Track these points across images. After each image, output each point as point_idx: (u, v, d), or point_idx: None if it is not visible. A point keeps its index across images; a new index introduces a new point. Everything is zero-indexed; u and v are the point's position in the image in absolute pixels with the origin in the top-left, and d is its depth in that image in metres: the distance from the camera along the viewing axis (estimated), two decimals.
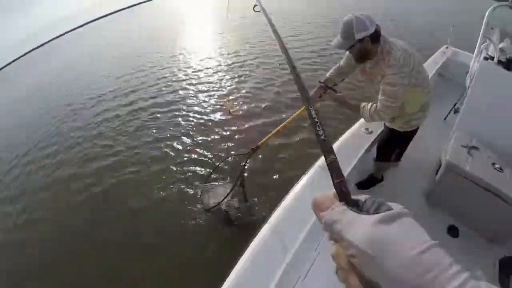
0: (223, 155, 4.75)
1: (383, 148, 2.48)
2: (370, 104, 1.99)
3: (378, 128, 2.50)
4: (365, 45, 1.82)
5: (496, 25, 3.16)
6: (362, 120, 2.57)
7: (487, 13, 2.78)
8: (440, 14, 12.72)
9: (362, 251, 0.34)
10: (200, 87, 7.85)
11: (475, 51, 2.90)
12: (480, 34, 2.79)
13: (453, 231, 2.45)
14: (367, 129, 2.51)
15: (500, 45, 2.81)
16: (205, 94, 7.30)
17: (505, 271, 2.19)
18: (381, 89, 1.87)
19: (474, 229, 2.46)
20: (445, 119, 2.88)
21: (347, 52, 2.08)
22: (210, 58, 10.42)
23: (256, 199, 3.53)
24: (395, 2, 17.26)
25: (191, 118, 6.18)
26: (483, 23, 2.79)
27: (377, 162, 2.59)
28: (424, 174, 2.78)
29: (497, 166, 2.32)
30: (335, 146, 2.29)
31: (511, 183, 2.23)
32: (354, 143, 2.37)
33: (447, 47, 4.90)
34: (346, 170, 2.05)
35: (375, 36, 1.81)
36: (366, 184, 2.75)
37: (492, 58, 2.68)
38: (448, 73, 4.01)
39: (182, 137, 5.53)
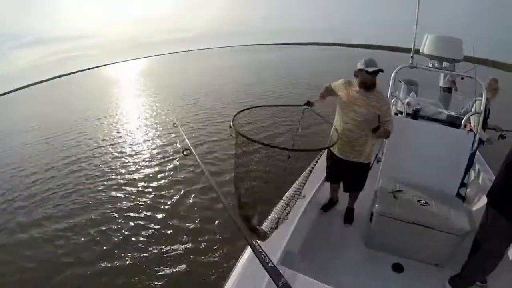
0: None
1: (364, 179, 2.87)
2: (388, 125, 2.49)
3: (310, 192, 2.69)
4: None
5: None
6: (294, 185, 2.77)
7: (392, 75, 3.22)
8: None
9: None
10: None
11: None
12: (389, 93, 3.20)
13: (397, 267, 2.62)
14: (299, 194, 2.66)
15: (406, 100, 3.29)
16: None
17: None
18: (388, 113, 2.50)
19: (418, 260, 2.67)
20: (370, 168, 3.20)
21: (338, 83, 2.66)
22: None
23: None
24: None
25: None
26: (390, 84, 3.22)
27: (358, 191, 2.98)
28: (360, 223, 3.00)
29: (422, 201, 2.62)
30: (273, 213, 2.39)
31: (439, 212, 2.53)
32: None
33: None
34: (288, 233, 2.17)
35: None
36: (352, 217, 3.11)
37: (402, 112, 3.12)
38: None
39: None
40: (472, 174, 3.81)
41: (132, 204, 5.50)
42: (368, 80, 2.43)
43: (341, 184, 3.00)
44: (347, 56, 29.82)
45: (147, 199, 5.56)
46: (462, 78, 3.53)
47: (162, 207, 5.25)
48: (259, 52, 49.33)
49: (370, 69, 2.35)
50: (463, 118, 3.02)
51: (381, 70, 2.38)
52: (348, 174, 2.77)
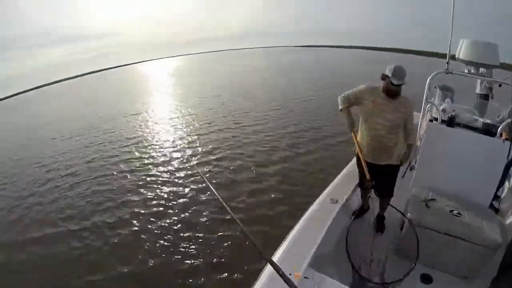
0: None
1: (394, 183, 2.80)
2: (408, 137, 2.62)
3: (343, 196, 2.64)
4: None
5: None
6: (327, 190, 2.79)
7: (427, 81, 3.13)
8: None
9: None
10: None
11: (421, 114, 3.22)
12: (424, 99, 3.14)
13: (426, 278, 2.57)
14: (332, 199, 2.63)
15: (442, 107, 3.18)
16: None
17: None
18: (412, 117, 2.56)
19: (447, 272, 2.61)
20: (403, 176, 3.12)
21: (362, 91, 2.60)
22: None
23: None
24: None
25: None
26: (425, 90, 3.14)
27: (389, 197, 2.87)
28: (390, 230, 2.91)
29: (455, 212, 2.55)
30: (304, 218, 2.39)
31: (472, 224, 2.45)
32: (321, 213, 2.45)
33: None
34: (319, 237, 2.15)
35: None
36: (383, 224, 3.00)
37: (436, 119, 3.03)
38: None
39: None
40: (507, 185, 3.65)
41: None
42: (392, 90, 2.46)
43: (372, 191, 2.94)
44: (376, 60, 29.26)
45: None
46: (500, 85, 3.39)
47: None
48: (291, 53, 49.10)
49: (396, 82, 2.38)
50: (499, 126, 2.89)
51: (405, 83, 2.41)
52: (379, 178, 2.73)
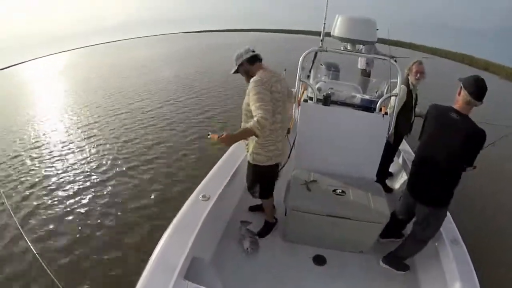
0: None
1: (248, 181, 2.60)
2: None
3: (215, 193, 2.40)
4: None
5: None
6: (199, 187, 2.51)
7: (300, 60, 3.00)
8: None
9: None
10: None
11: (295, 94, 3.06)
12: (297, 78, 3.00)
13: (319, 260, 2.55)
14: (204, 196, 2.36)
15: (317, 85, 3.14)
16: None
17: (393, 266, 2.49)
18: (252, 101, 2.12)
19: (341, 250, 2.62)
20: (288, 157, 3.05)
21: None
22: None
23: None
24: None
25: None
26: (298, 68, 3.00)
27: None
28: (277, 214, 2.84)
29: (338, 191, 2.52)
30: (176, 218, 2.10)
31: (356, 201, 2.45)
32: (193, 212, 2.19)
33: None
34: (189, 241, 1.89)
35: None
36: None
37: (312, 98, 2.97)
38: None
39: None
40: (396, 160, 3.86)
41: None
42: None
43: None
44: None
45: None
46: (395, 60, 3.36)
47: None
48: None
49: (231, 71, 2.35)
50: (377, 102, 2.93)
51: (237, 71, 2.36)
52: None
